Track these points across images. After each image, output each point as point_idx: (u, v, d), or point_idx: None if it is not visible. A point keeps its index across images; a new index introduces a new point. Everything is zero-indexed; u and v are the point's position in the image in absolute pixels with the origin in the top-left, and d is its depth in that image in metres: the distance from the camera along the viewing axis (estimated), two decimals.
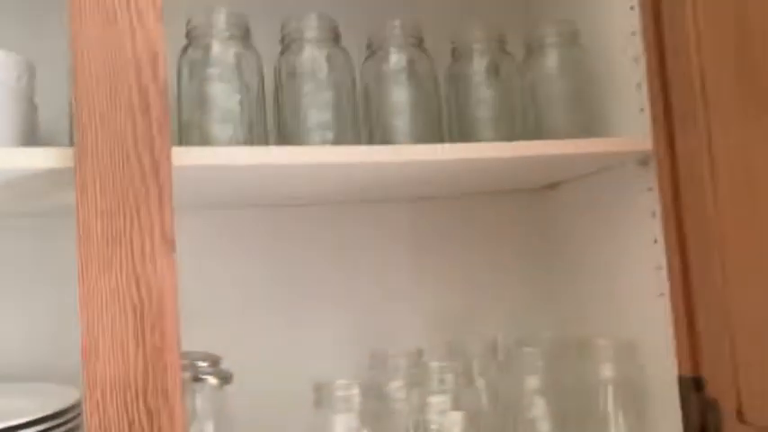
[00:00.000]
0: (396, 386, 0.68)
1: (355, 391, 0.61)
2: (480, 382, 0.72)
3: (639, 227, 0.73)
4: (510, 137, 0.73)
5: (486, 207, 0.91)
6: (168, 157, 0.51)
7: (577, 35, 0.78)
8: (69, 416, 0.56)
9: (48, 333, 0.72)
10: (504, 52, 0.78)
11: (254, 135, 0.64)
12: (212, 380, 0.57)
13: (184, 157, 0.53)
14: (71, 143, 0.50)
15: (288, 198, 0.79)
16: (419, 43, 0.74)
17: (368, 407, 0.62)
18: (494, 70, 0.77)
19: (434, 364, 0.68)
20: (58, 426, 0.55)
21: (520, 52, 0.79)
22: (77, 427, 0.58)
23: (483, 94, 0.76)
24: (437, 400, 0.65)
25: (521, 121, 0.77)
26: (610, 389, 0.71)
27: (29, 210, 0.71)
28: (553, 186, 0.92)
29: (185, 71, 0.65)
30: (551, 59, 0.77)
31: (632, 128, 0.73)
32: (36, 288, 0.73)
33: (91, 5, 0.51)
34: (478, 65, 0.76)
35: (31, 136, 0.58)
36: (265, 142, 0.65)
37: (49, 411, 0.54)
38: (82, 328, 0.48)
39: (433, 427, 0.63)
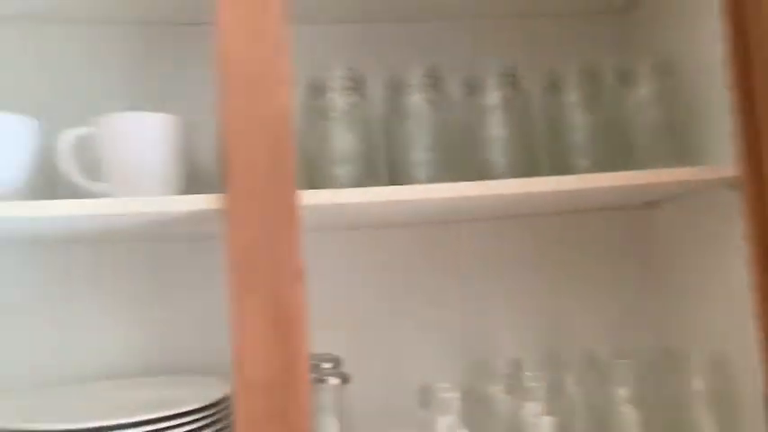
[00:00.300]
0: (494, 391, 0.76)
1: (456, 394, 0.70)
2: (574, 391, 0.78)
3: (732, 247, 0.76)
4: (604, 166, 0.79)
5: (585, 223, 0.96)
6: (298, 199, 0.63)
7: (670, 65, 0.82)
8: (223, 405, 0.70)
9: (194, 334, 0.86)
10: (598, 83, 0.83)
11: (368, 173, 0.75)
12: (334, 380, 0.68)
13: (311, 198, 0.65)
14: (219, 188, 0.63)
15: (398, 222, 0.89)
16: (514, 80, 0.81)
17: (468, 409, 0.71)
18: (588, 101, 0.82)
19: (530, 373, 0.75)
20: (215, 414, 0.68)
21: (613, 82, 0.84)
22: (227, 415, 0.71)
23: (577, 125, 0.82)
24: (531, 406, 0.72)
25: (614, 149, 0.82)
26: (701, 402, 0.75)
27: (172, 236, 0.86)
28: (652, 205, 0.96)
29: (308, 118, 0.77)
30: (645, 89, 0.82)
31: (724, 154, 0.76)
32: (181, 297, 0.87)
33: (237, 77, 0.64)
34: (573, 96, 0.82)
35: (181, 181, 0.72)
36: (377, 179, 0.76)
37: (208, 401, 0.67)
38: (233, 337, 0.60)
39: (526, 430, 0.71)
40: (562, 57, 0.94)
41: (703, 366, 0.76)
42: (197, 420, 0.67)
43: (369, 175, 0.76)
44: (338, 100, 0.77)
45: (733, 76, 0.74)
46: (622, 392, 0.76)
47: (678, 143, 0.81)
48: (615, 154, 0.82)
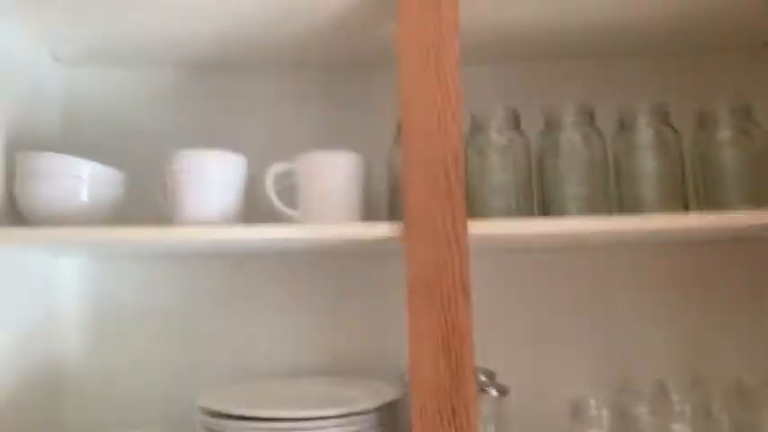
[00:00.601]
0: (641, 411, 0.81)
1: (605, 411, 0.75)
2: (721, 416, 0.81)
3: None
4: (753, 200, 0.82)
5: (730, 253, 0.98)
6: (466, 228, 0.72)
7: None
8: (395, 407, 0.80)
9: (368, 341, 0.98)
10: (750, 121, 0.86)
11: (523, 205, 0.83)
12: (494, 391, 0.76)
13: (477, 227, 0.74)
14: (392, 214, 0.74)
15: (550, 247, 0.96)
16: (665, 118, 0.86)
17: (615, 425, 0.76)
18: (738, 138, 0.85)
19: (676, 396, 0.79)
20: (389, 414, 0.78)
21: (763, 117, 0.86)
22: (401, 417, 0.81)
23: (728, 161, 0.85)
24: (678, 428, 0.76)
25: (764, 185, 0.84)
26: None
27: (353, 253, 0.98)
28: None
29: (470, 153, 0.86)
30: None
31: None
32: (359, 307, 0.99)
33: (416, 118, 0.74)
34: (723, 133, 0.86)
35: (362, 209, 0.84)
36: (531, 211, 0.84)
37: (382, 402, 0.78)
38: (410, 347, 0.70)
39: None
40: (712, 94, 0.97)
41: None
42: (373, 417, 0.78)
43: (523, 207, 0.84)
44: (496, 137, 0.86)
45: None
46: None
47: None
48: (764, 189, 0.84)
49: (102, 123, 1.02)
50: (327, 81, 1.02)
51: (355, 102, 1.02)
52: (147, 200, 0.91)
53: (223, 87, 1.03)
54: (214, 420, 0.76)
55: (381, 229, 0.75)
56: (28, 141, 0.89)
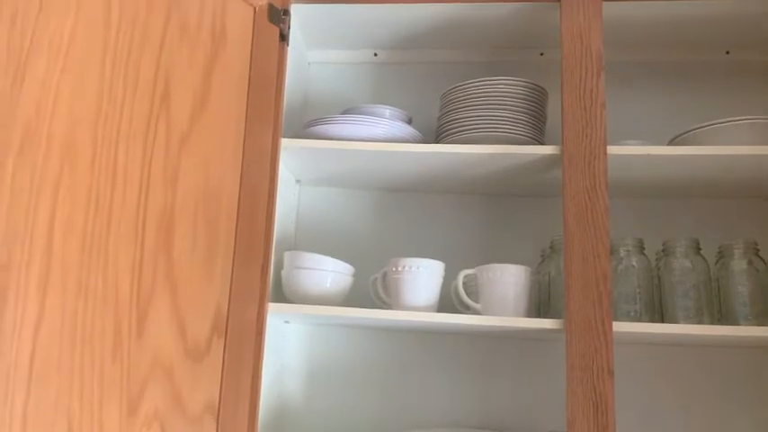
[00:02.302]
0: None
1: None
2: None
3: None
4: None
5: None
6: (611, 326, 1.02)
7: None
8: None
9: (521, 409, 1.27)
10: None
11: (646, 310, 1.13)
12: None
13: (618, 327, 1.04)
14: (541, 309, 1.05)
15: (675, 342, 1.25)
16: (756, 251, 1.15)
17: None
18: None
19: None
20: None
21: None
22: None
23: None
24: None
25: None
26: None
27: (515, 337, 1.29)
28: None
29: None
30: None
31: None
32: (510, 380, 1.29)
33: (578, 253, 1.06)
34: None
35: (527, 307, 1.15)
36: (653, 314, 1.13)
37: None
38: (568, 412, 1.00)
39: None
40: None
41: None
42: None
43: (645, 312, 1.13)
44: (625, 257, 1.16)
45: None
46: None
47: None
48: None
49: (323, 229, 1.39)
50: (497, 205, 1.36)
51: (515, 221, 1.35)
52: (361, 288, 1.25)
53: (420, 205, 1.38)
54: None
55: (548, 324, 1.06)
56: (281, 241, 1.26)
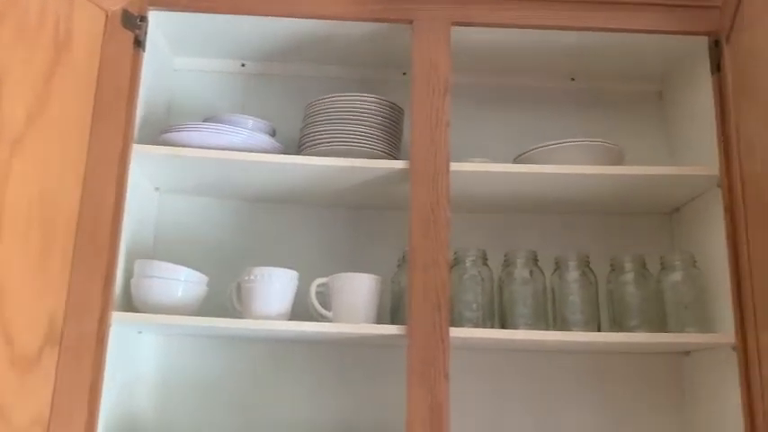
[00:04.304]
0: None
1: None
2: None
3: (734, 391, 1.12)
4: (648, 326, 1.19)
5: (634, 362, 1.35)
6: (448, 332, 1.08)
7: (693, 258, 1.23)
8: None
9: (368, 415, 1.30)
10: (644, 268, 1.25)
11: (487, 317, 1.19)
12: None
13: (455, 332, 1.09)
14: (393, 317, 1.10)
15: (503, 349, 1.32)
16: (587, 263, 1.24)
17: None
18: (638, 280, 1.24)
19: None
20: None
21: (656, 267, 1.25)
22: None
23: (630, 296, 1.23)
24: None
25: (655, 316, 1.22)
26: None
27: (366, 344, 1.32)
28: (687, 353, 1.33)
29: (452, 277, 1.22)
30: (677, 274, 1.22)
31: (729, 319, 1.14)
32: (363, 388, 1.32)
33: (421, 262, 1.11)
34: (628, 276, 1.24)
35: (375, 314, 1.19)
36: (494, 321, 1.20)
37: None
38: (407, 414, 1.04)
39: None
40: (622, 247, 1.36)
41: None
42: None
43: (487, 319, 1.20)
44: (470, 267, 1.23)
45: (732, 273, 1.14)
46: None
47: (700, 313, 1.20)
48: (656, 319, 1.22)
49: (183, 237, 1.37)
50: (353, 217, 1.40)
51: (370, 233, 1.40)
52: (218, 297, 1.25)
53: (280, 216, 1.39)
54: None
55: (393, 330, 1.11)
56: (136, 249, 1.24)
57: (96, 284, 1.04)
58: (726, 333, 1.14)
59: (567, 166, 1.19)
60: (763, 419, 1.05)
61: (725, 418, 1.16)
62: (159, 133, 1.23)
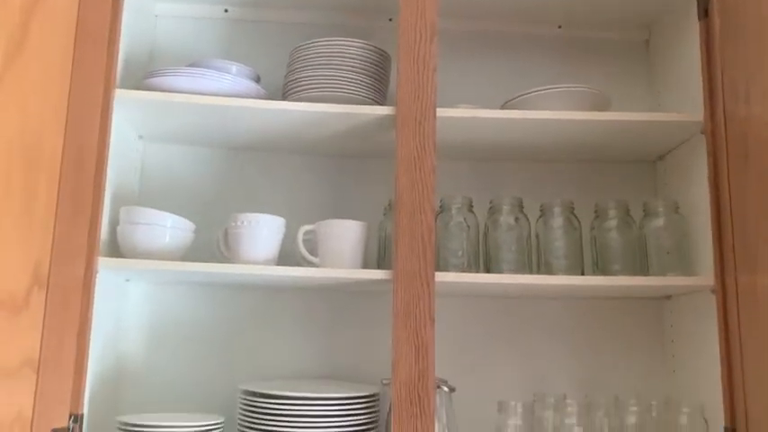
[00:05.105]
0: (546, 414, 1.18)
1: (520, 408, 1.12)
2: (602, 419, 1.19)
3: (712, 330, 1.15)
4: (630, 271, 1.21)
5: (617, 307, 1.37)
6: (433, 276, 1.09)
7: (676, 205, 1.24)
8: (377, 396, 1.15)
9: (353, 354, 1.33)
10: (628, 215, 1.26)
11: (472, 263, 1.21)
12: (446, 388, 1.12)
13: (440, 277, 1.11)
14: (380, 263, 1.11)
15: (489, 294, 1.34)
16: (571, 210, 1.26)
17: (527, 418, 1.12)
18: (621, 226, 1.25)
19: (570, 401, 1.16)
20: (374, 400, 1.13)
21: (639, 213, 1.27)
22: (378, 403, 1.15)
23: (613, 242, 1.25)
24: (568, 422, 1.13)
25: (638, 260, 1.24)
26: None
27: (350, 290, 1.34)
28: (669, 297, 1.36)
29: (438, 224, 1.23)
30: (660, 220, 1.24)
31: (709, 263, 1.16)
32: (348, 328, 1.34)
33: (405, 200, 1.11)
34: (611, 223, 1.26)
35: (362, 260, 1.20)
36: (479, 267, 1.21)
37: (368, 393, 1.12)
38: (394, 355, 1.06)
39: (564, 430, 1.12)
40: (606, 194, 1.38)
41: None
42: (363, 402, 1.12)
43: (472, 265, 1.21)
44: (456, 215, 1.24)
45: (713, 216, 1.15)
46: (629, 420, 1.16)
47: (682, 258, 1.22)
48: (638, 264, 1.24)
49: (169, 185, 1.37)
50: (340, 165, 1.40)
51: (357, 181, 1.40)
52: (205, 246, 1.25)
53: (266, 164, 1.39)
54: (250, 398, 1.09)
55: (379, 275, 1.12)
56: (121, 196, 1.23)
57: (81, 229, 1.04)
58: (706, 276, 1.16)
59: (554, 111, 1.19)
60: (740, 360, 1.08)
61: (704, 361, 1.20)
62: (142, 79, 1.21)
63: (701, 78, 1.21)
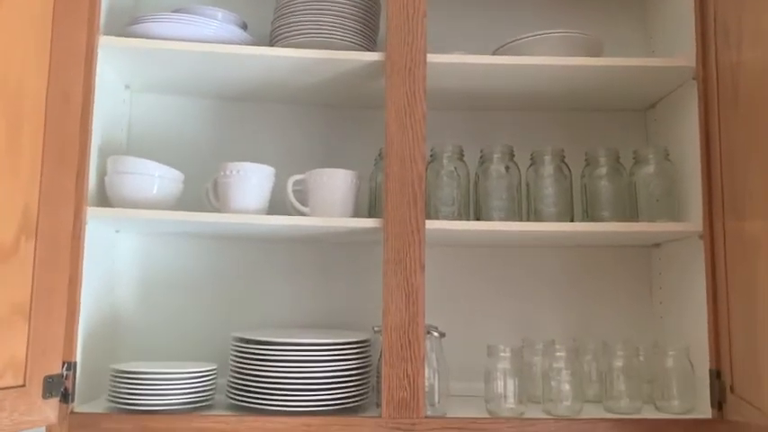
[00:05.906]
0: (535, 359, 1.20)
1: (509, 353, 1.13)
2: (590, 364, 1.21)
3: (700, 275, 1.16)
4: (620, 218, 1.22)
5: (606, 255, 1.38)
6: (423, 224, 1.09)
7: (666, 152, 1.24)
8: (367, 342, 1.16)
9: (346, 303, 1.34)
10: (618, 162, 1.26)
11: (462, 211, 1.21)
12: (435, 333, 1.13)
13: (430, 225, 1.11)
14: (371, 213, 1.11)
15: (479, 244, 1.35)
16: (562, 158, 1.25)
17: (516, 362, 1.14)
18: (611, 174, 1.25)
19: (559, 347, 1.17)
20: (364, 346, 1.14)
21: (630, 161, 1.27)
22: (370, 349, 1.17)
23: (603, 189, 1.25)
24: (557, 366, 1.15)
25: (628, 207, 1.24)
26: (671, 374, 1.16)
27: (343, 240, 1.34)
28: (657, 245, 1.37)
29: (429, 173, 1.23)
30: (650, 168, 1.24)
31: (698, 210, 1.17)
32: (345, 279, 1.35)
33: (395, 150, 1.11)
34: (602, 170, 1.25)
35: (353, 209, 1.20)
36: (469, 216, 1.22)
37: (359, 339, 1.14)
38: (384, 301, 1.07)
39: (552, 374, 1.14)
40: (597, 143, 1.37)
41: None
42: (354, 348, 1.14)
43: (463, 214, 1.22)
44: (446, 164, 1.23)
45: (703, 162, 1.16)
46: (617, 363, 1.18)
47: (671, 205, 1.22)
48: (628, 211, 1.24)
49: (157, 137, 1.35)
50: (330, 116, 1.39)
51: (348, 131, 1.39)
52: (194, 197, 1.25)
53: (255, 115, 1.37)
54: (243, 345, 1.10)
55: (369, 223, 1.12)
56: (109, 148, 1.22)
57: (68, 178, 1.03)
58: (694, 222, 1.17)
59: (545, 57, 1.17)
60: (726, 304, 1.09)
61: (690, 308, 1.21)
62: (126, 26, 1.19)
63: (693, 24, 1.19)
